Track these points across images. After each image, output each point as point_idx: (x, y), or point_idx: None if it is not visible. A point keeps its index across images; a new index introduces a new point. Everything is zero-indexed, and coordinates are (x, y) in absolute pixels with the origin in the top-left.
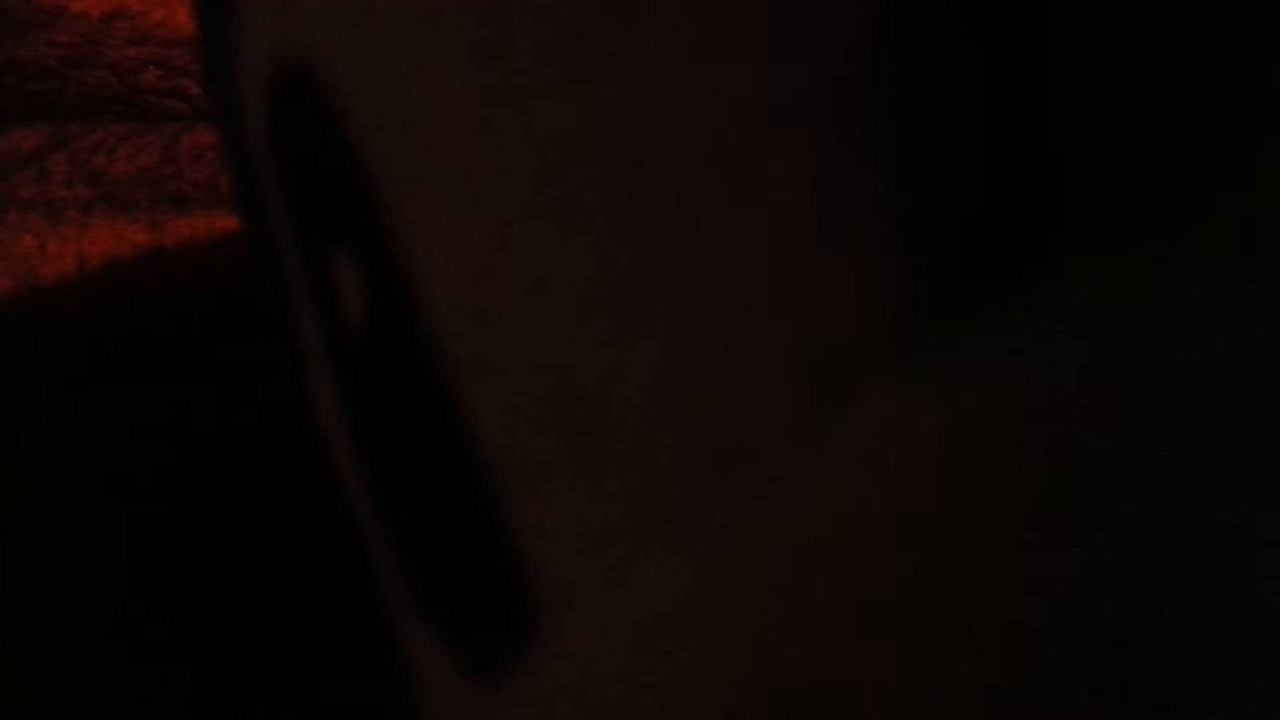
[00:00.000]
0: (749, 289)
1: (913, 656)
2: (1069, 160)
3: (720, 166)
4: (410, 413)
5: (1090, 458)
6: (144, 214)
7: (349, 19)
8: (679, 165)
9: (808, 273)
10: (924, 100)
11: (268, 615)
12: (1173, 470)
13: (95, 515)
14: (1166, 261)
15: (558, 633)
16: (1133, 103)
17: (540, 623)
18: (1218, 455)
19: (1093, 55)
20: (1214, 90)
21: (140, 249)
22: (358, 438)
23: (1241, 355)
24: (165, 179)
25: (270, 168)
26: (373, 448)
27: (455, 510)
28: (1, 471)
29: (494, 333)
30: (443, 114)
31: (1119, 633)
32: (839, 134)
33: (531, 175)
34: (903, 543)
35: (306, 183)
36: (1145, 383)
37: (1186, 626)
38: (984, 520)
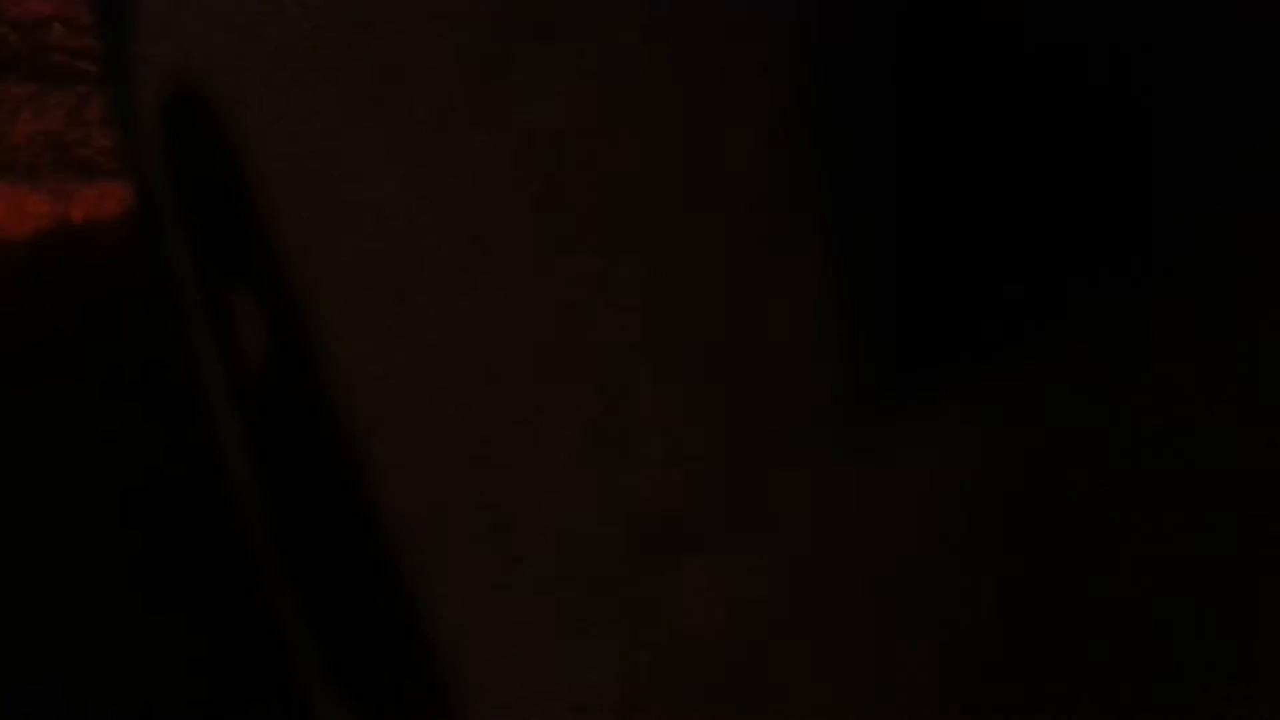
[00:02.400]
0: (682, 357)
1: None
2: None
3: (650, 216)
4: (309, 473)
5: (1015, 538)
6: (47, 182)
7: (237, 42)
8: (604, 212)
9: (745, 344)
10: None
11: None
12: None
13: None
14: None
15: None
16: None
17: (448, 700)
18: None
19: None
20: (1127, 205)
21: (42, 219)
22: (261, 494)
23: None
24: (71, 145)
25: (166, 197)
26: (275, 505)
27: (359, 584)
28: None
29: (396, 392)
30: (337, 147)
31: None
32: (779, 197)
33: (434, 216)
34: (838, 631)
35: (201, 215)
36: (1063, 468)
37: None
38: (916, 604)
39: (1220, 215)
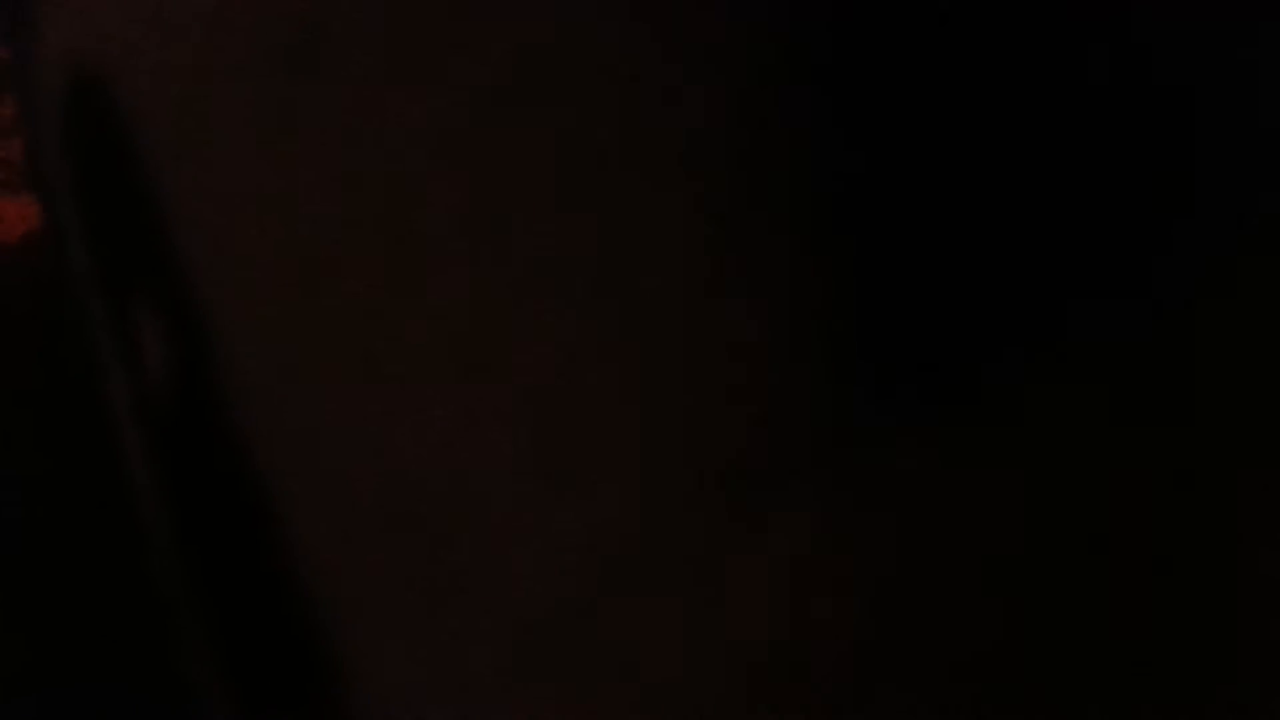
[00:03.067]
0: (637, 369)
1: None
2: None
3: (596, 210)
4: (213, 495)
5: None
6: None
7: (139, 26)
8: (542, 204)
9: (707, 364)
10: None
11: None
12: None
13: None
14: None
15: None
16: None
17: None
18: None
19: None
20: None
21: None
22: (167, 513)
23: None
24: None
25: (68, 194)
26: (174, 505)
27: (270, 612)
28: None
29: (306, 405)
30: (242, 135)
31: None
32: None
33: (348, 210)
34: (826, 668)
35: (102, 210)
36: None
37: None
38: (890, 649)
39: (1223, 245)
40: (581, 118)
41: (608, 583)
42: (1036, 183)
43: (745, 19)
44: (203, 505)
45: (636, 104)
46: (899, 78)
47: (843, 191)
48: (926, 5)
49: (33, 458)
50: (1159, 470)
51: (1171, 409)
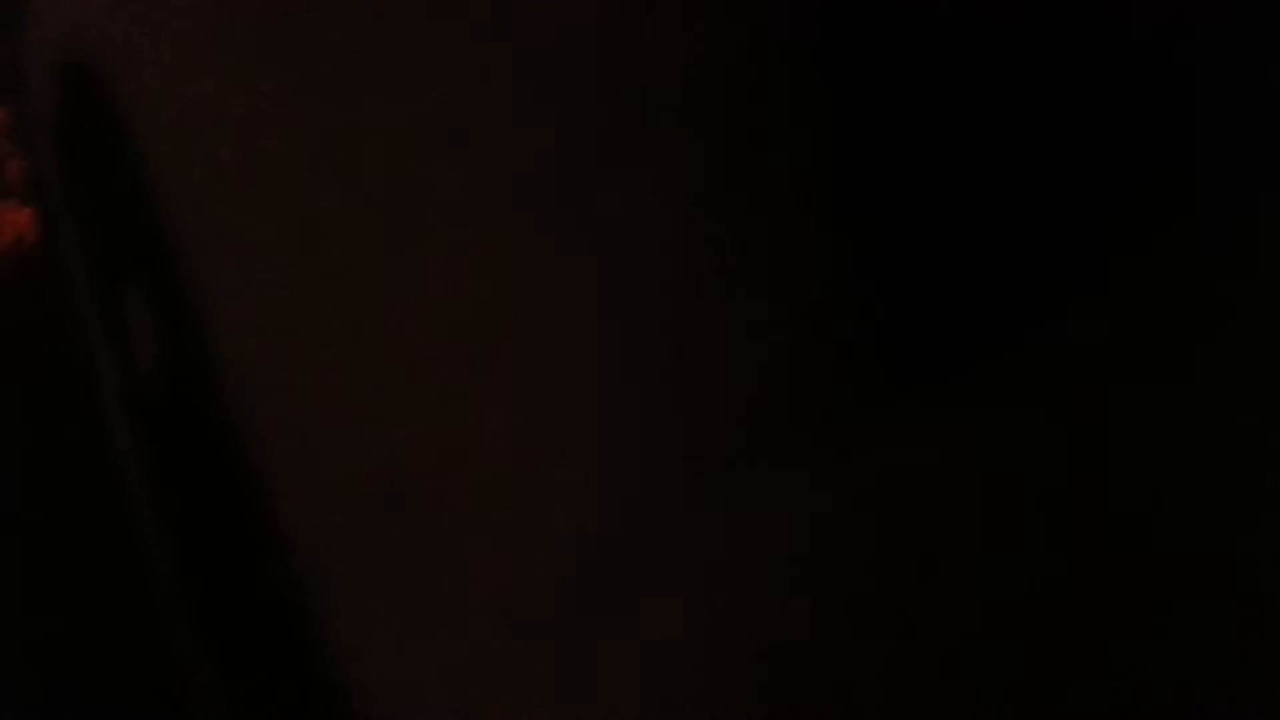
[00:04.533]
0: (628, 343)
1: None
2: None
3: (591, 186)
4: (204, 476)
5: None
6: None
7: (131, 15)
8: (538, 183)
9: (702, 332)
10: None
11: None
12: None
13: None
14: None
15: None
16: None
17: None
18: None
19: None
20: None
21: None
22: (156, 500)
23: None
24: None
25: (60, 181)
26: (170, 517)
27: (259, 604)
28: None
29: (296, 386)
30: (230, 116)
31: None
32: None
33: (342, 189)
34: (806, 666)
35: (94, 197)
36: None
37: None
38: (887, 629)
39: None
40: (576, 100)
41: (591, 571)
42: (1027, 176)
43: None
44: (192, 493)
45: (628, 86)
46: (896, 67)
47: (833, 182)
48: None
49: (30, 459)
50: (1146, 466)
51: (1160, 409)
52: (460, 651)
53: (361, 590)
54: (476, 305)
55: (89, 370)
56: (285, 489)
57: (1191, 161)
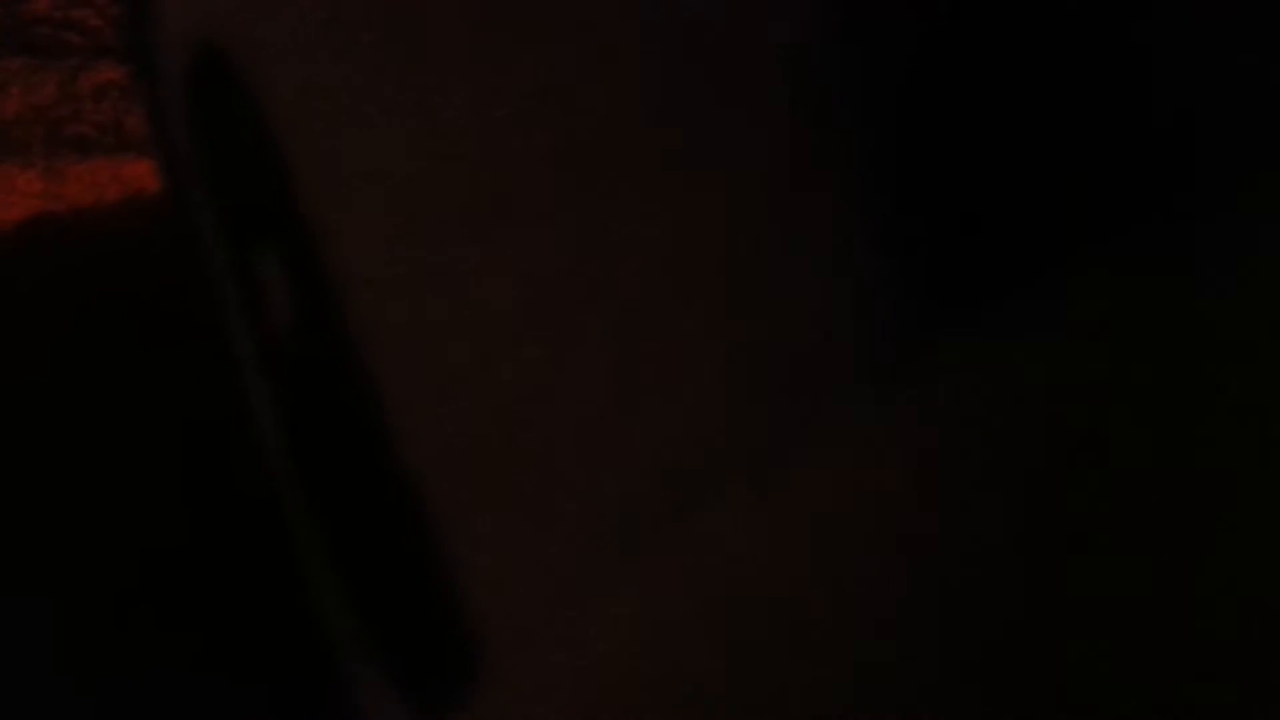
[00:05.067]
0: (703, 298)
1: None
2: (1052, 173)
3: (668, 156)
4: (337, 429)
5: (1074, 467)
6: (39, 160)
7: (258, 4)
8: (620, 155)
9: (771, 281)
10: (895, 92)
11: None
12: (1149, 476)
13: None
14: (1148, 271)
15: (501, 675)
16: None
17: (481, 664)
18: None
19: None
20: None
21: (34, 199)
22: (290, 450)
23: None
24: (62, 120)
25: (192, 156)
26: (305, 461)
27: (389, 538)
28: None
29: (416, 344)
30: (357, 99)
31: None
32: (808, 125)
33: (449, 165)
34: (875, 576)
35: (227, 173)
36: (1123, 395)
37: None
38: (960, 544)
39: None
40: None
41: (669, 493)
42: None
43: None
44: (326, 443)
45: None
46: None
47: (876, 107)
48: None
49: (148, 403)
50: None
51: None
52: (565, 557)
53: (481, 515)
54: (567, 276)
55: (222, 328)
56: (412, 432)
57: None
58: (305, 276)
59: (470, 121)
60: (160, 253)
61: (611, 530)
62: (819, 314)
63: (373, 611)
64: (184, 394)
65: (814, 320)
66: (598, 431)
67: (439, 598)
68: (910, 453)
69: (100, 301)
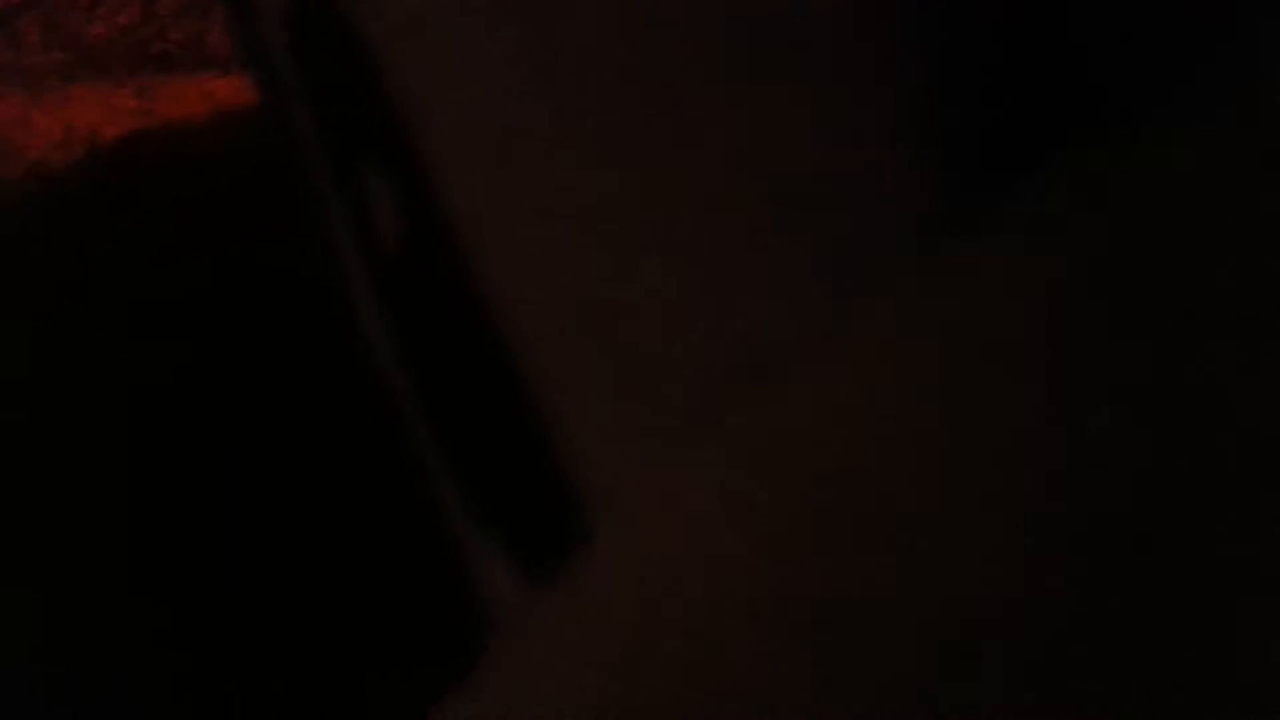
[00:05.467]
0: (763, 194)
1: (945, 553)
2: (1080, 65)
3: (729, 66)
4: (447, 328)
5: (1103, 349)
6: (127, 78)
7: None
8: (683, 68)
9: (826, 172)
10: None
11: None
12: (1174, 360)
13: (98, 416)
14: (1168, 168)
15: (607, 535)
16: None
17: (589, 527)
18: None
19: None
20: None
21: (129, 116)
22: (399, 349)
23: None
24: (147, 39)
25: (292, 88)
26: (415, 360)
27: (499, 423)
28: None
29: (517, 251)
30: (452, 18)
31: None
32: (858, 31)
33: (532, 80)
34: (932, 437)
35: (328, 92)
36: (1145, 283)
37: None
38: (1007, 414)
39: None
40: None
41: (748, 364)
42: None
43: None
44: (438, 337)
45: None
46: None
47: None
48: None
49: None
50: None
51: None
52: (653, 428)
53: (582, 410)
54: (655, 169)
55: (328, 252)
56: (515, 323)
57: None
58: (404, 188)
59: (551, 40)
60: (252, 164)
61: (696, 404)
62: (867, 198)
63: (484, 488)
64: (273, 279)
65: (863, 204)
66: (677, 319)
67: (541, 471)
68: (955, 321)
69: (201, 209)
